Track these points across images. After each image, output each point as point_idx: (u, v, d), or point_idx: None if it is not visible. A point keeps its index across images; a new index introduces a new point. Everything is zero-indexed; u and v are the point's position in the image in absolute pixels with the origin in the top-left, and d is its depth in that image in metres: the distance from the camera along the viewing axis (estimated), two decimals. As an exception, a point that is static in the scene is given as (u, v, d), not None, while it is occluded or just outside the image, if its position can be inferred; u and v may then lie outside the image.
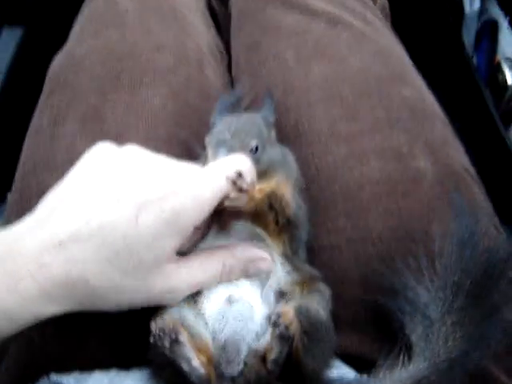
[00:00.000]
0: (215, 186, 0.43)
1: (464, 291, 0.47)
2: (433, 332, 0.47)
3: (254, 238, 0.48)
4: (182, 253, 0.46)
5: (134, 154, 0.46)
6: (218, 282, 0.46)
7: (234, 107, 0.58)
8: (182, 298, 0.45)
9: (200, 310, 0.46)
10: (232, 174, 0.43)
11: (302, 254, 0.51)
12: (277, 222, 0.47)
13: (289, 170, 0.51)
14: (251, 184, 0.44)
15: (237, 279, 0.46)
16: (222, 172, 0.43)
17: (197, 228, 0.45)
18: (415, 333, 0.48)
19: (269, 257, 0.46)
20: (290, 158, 0.53)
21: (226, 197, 0.43)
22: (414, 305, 0.48)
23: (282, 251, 0.48)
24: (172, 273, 0.43)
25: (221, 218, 0.48)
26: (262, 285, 0.47)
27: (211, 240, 0.48)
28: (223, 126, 0.50)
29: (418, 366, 0.46)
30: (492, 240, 0.50)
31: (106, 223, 0.40)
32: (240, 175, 0.43)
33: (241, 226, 0.48)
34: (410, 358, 0.47)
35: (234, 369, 0.43)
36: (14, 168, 0.64)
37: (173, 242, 0.42)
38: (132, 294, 0.42)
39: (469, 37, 1.07)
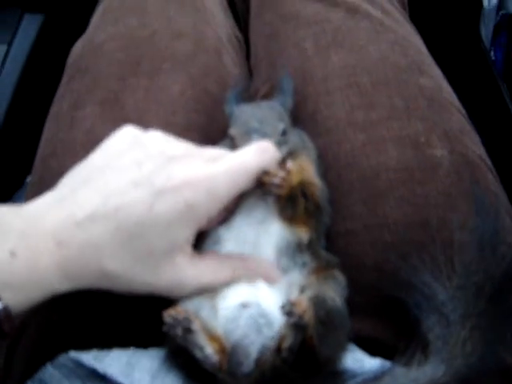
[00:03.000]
0: (231, 181, 0.43)
1: (485, 294, 0.45)
2: (451, 334, 0.45)
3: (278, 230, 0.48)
4: (201, 233, 0.47)
5: (157, 140, 0.47)
6: (226, 286, 0.46)
7: (246, 96, 0.59)
8: (190, 294, 0.45)
9: (215, 304, 0.46)
10: (273, 167, 0.45)
11: (323, 239, 0.51)
12: (305, 209, 0.47)
13: (308, 150, 0.52)
14: (287, 169, 0.46)
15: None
16: (240, 165, 0.44)
17: (221, 210, 0.45)
18: (432, 332, 0.46)
19: (280, 275, 0.47)
20: (307, 139, 0.54)
21: (264, 181, 0.45)
22: (431, 302, 0.47)
23: (308, 238, 0.48)
24: (182, 266, 0.44)
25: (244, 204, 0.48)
26: (278, 286, 0.47)
27: (235, 226, 0.48)
28: (246, 115, 0.50)
29: (435, 367, 0.44)
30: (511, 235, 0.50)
31: (122, 207, 0.41)
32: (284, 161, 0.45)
33: (263, 214, 0.48)
34: (426, 357, 0.45)
35: (244, 370, 0.43)
36: (33, 154, 0.65)
37: (186, 232, 0.43)
38: (141, 282, 0.43)
39: (486, 31, 1.07)
